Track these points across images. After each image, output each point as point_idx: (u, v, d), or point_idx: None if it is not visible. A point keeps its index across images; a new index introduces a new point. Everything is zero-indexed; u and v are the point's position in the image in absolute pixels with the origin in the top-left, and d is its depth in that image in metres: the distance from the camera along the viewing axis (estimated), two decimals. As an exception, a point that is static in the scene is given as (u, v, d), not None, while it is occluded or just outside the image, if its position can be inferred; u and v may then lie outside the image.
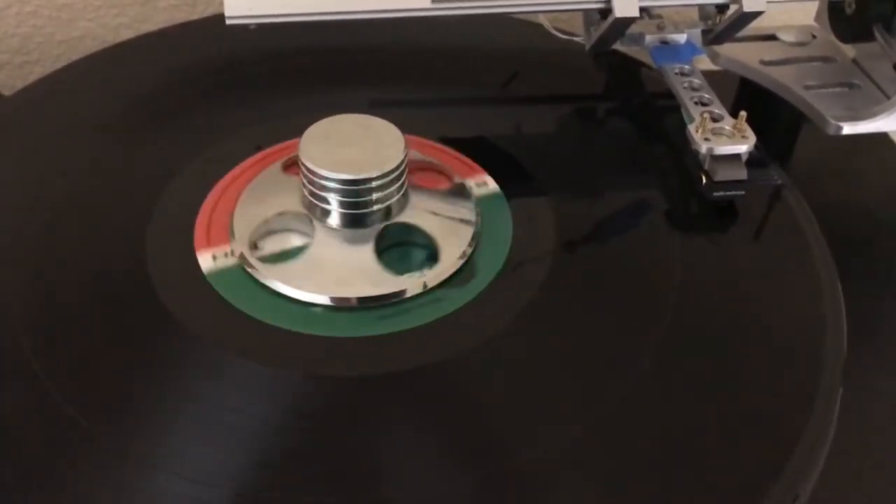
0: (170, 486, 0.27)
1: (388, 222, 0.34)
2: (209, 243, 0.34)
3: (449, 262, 0.34)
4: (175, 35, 0.47)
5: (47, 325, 0.32)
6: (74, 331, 0.32)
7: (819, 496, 0.30)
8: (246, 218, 0.35)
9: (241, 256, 0.33)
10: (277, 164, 0.37)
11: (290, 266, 0.34)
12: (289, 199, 0.35)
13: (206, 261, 0.34)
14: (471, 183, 0.37)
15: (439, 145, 0.38)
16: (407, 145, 0.34)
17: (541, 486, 0.28)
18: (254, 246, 0.34)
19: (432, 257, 0.34)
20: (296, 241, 0.35)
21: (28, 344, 0.31)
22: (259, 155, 0.38)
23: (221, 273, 0.33)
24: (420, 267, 0.34)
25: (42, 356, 0.31)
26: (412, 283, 0.33)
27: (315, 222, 0.34)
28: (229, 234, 0.34)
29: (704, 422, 0.30)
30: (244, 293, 0.33)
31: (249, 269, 0.33)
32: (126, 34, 0.54)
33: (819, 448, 0.29)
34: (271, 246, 0.34)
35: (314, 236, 0.34)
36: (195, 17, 0.54)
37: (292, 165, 0.37)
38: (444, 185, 0.37)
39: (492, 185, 0.37)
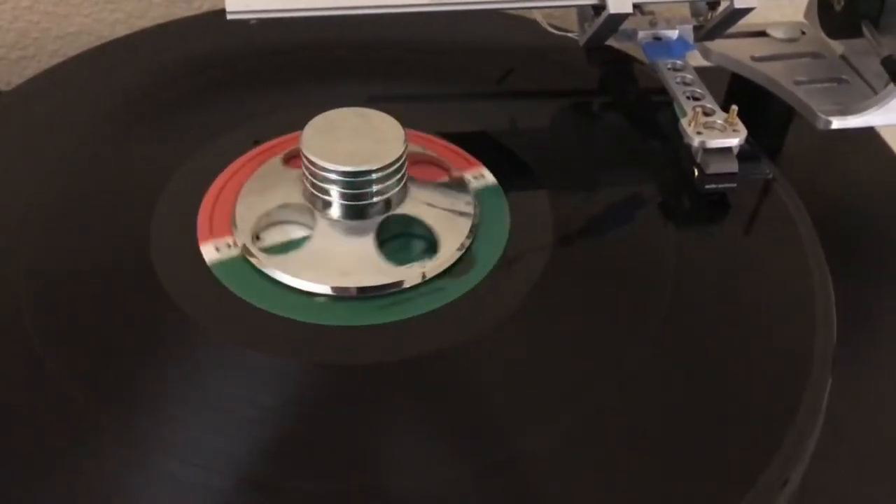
0: (174, 470, 0.28)
1: (388, 213, 0.35)
2: (212, 234, 0.35)
3: (448, 253, 0.34)
4: (172, 30, 0.47)
5: (53, 316, 0.32)
6: (80, 322, 0.32)
7: (808, 480, 0.31)
8: (248, 209, 0.35)
9: (244, 247, 0.34)
10: (277, 158, 0.37)
11: (291, 256, 0.34)
12: (290, 192, 0.36)
13: (210, 252, 0.34)
14: (468, 176, 0.37)
15: (435, 138, 0.39)
16: (406, 138, 0.35)
17: (539, 474, 0.28)
18: (256, 237, 0.35)
19: (431, 248, 0.34)
20: (297, 232, 0.35)
21: (34, 334, 0.32)
22: (258, 149, 0.38)
23: (224, 264, 0.34)
24: (420, 258, 0.34)
25: (48, 346, 0.31)
26: (411, 274, 0.33)
27: (316, 214, 0.35)
28: (231, 226, 0.35)
29: (698, 410, 0.30)
30: (247, 283, 0.33)
31: (252, 260, 0.34)
32: (121, 30, 0.54)
33: (808, 435, 0.30)
34: (273, 237, 0.35)
35: (315, 228, 0.35)
36: (191, 13, 0.54)
37: (292, 158, 0.37)
38: (442, 177, 0.37)
39: (489, 178, 0.37)
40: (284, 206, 0.35)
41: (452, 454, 0.29)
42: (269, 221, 0.35)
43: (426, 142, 0.39)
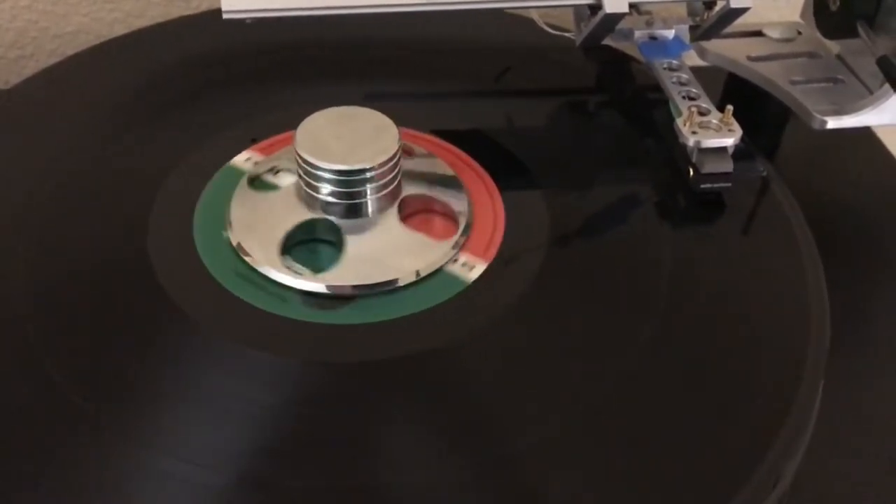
0: (172, 469, 0.28)
1: (314, 216, 0.35)
2: (265, 150, 0.38)
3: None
4: (170, 30, 0.47)
5: (51, 315, 0.32)
6: (78, 320, 0.32)
7: (801, 479, 0.31)
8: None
9: (254, 164, 0.36)
10: None
11: (251, 195, 0.36)
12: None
13: (239, 160, 0.37)
14: (461, 260, 0.34)
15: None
16: (401, 138, 0.35)
17: (534, 472, 0.28)
18: (277, 171, 0.37)
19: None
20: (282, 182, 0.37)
21: (33, 333, 0.32)
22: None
23: (232, 171, 0.37)
24: (318, 268, 0.34)
25: (44, 342, 0.31)
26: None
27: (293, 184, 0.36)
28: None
29: (691, 409, 0.30)
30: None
31: (241, 179, 0.36)
32: (120, 29, 0.55)
33: (801, 434, 0.30)
34: (276, 178, 0.37)
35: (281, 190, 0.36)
36: (189, 12, 0.54)
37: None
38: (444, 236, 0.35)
39: (475, 273, 0.34)
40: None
41: (450, 452, 0.29)
42: (288, 167, 0.37)
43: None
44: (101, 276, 0.34)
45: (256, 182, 0.37)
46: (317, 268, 0.34)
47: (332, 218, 0.35)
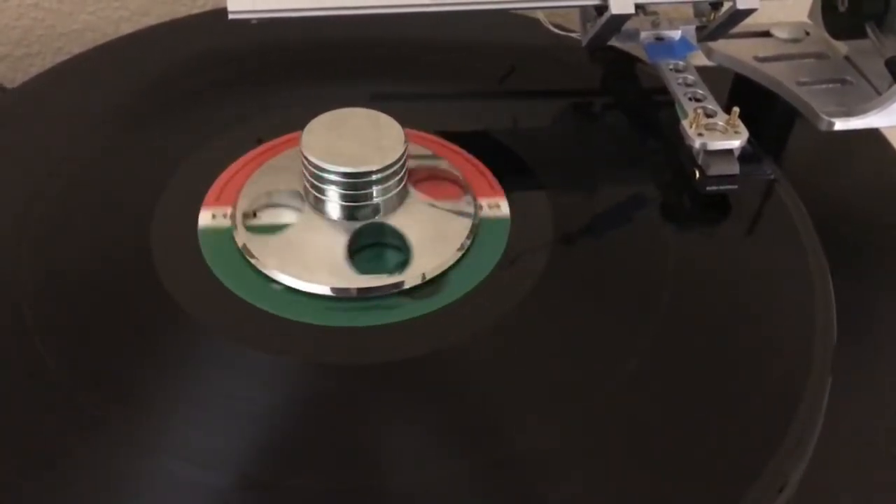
0: (174, 468, 0.28)
1: (374, 219, 0.35)
2: (217, 202, 0.36)
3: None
4: (176, 29, 0.47)
5: (54, 313, 0.33)
6: (82, 320, 0.32)
7: (806, 485, 0.31)
8: (255, 187, 0.36)
9: (233, 217, 0.35)
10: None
11: (267, 239, 0.35)
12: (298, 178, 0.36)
13: (206, 218, 0.35)
14: (483, 203, 0.36)
15: (440, 139, 0.39)
16: (407, 140, 0.35)
17: (537, 473, 0.28)
18: (252, 214, 0.35)
19: (405, 263, 0.34)
20: (287, 218, 0.36)
21: (32, 327, 0.32)
22: (261, 147, 0.38)
23: (213, 231, 0.35)
24: (390, 270, 0.34)
25: (47, 343, 0.31)
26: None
27: (306, 205, 0.35)
28: (235, 198, 0.36)
29: (695, 412, 0.30)
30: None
31: (234, 233, 0.34)
32: (126, 27, 0.55)
33: (807, 438, 0.30)
34: (267, 218, 0.36)
35: (299, 218, 0.35)
36: (195, 11, 0.55)
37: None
38: (455, 198, 0.36)
39: (503, 210, 0.36)
40: (283, 191, 0.36)
41: (452, 454, 0.29)
42: (269, 202, 0.36)
43: (430, 143, 0.39)
44: (105, 275, 0.34)
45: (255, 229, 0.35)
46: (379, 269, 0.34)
47: (338, 219, 0.35)
